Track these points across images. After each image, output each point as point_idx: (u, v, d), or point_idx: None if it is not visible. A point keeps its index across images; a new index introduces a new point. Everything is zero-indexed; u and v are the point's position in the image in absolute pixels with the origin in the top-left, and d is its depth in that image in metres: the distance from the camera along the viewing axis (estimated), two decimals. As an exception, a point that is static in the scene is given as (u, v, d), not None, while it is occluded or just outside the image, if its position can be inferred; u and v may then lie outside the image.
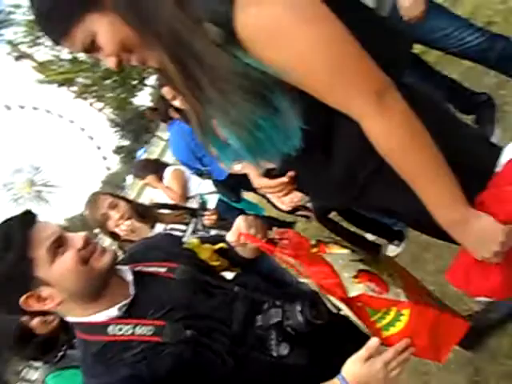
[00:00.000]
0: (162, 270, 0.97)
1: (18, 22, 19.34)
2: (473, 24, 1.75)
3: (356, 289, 0.79)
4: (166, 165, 3.04)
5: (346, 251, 0.91)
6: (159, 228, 1.99)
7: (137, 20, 0.67)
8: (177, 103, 2.15)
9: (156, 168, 2.95)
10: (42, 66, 19.84)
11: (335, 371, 0.81)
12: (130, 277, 0.95)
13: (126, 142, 36.72)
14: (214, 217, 2.13)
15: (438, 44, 1.75)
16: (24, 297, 0.83)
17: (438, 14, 1.70)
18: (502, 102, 2.18)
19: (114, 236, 1.92)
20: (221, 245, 1.07)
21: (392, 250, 2.42)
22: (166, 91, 2.16)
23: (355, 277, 0.81)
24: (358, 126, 0.70)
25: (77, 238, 0.88)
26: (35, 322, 1.51)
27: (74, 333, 1.54)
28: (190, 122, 0.79)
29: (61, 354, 1.62)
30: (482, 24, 2.25)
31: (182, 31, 0.65)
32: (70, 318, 0.91)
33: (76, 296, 0.87)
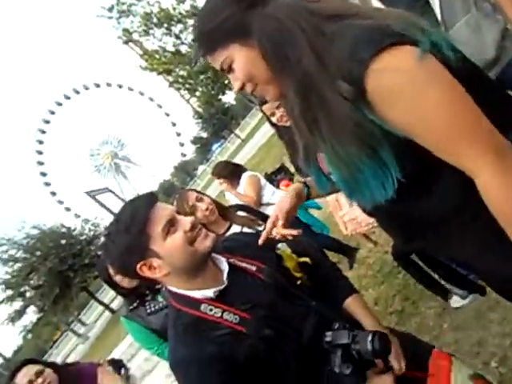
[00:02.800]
0: (253, 267, 1.06)
1: (136, 13, 21.15)
2: None
3: None
4: (244, 169, 3.15)
5: None
6: (235, 229, 2.13)
7: (274, 59, 0.80)
8: (273, 119, 2.28)
9: (234, 171, 3.07)
10: (148, 54, 21.46)
11: None
12: (225, 266, 1.05)
13: (204, 134, 38.20)
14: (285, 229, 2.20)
15: None
16: (140, 263, 0.97)
17: None
18: None
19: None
20: (305, 259, 1.16)
21: (456, 301, 2.34)
22: (267, 108, 2.29)
23: None
24: (463, 175, 0.73)
25: (186, 221, 1.00)
26: (117, 278, 1.85)
27: (156, 295, 1.79)
28: (292, 143, 0.88)
29: (136, 304, 1.95)
30: None
31: (316, 79, 0.75)
32: (171, 288, 1.03)
33: (179, 271, 0.99)
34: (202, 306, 0.99)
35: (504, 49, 1.64)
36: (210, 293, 1.00)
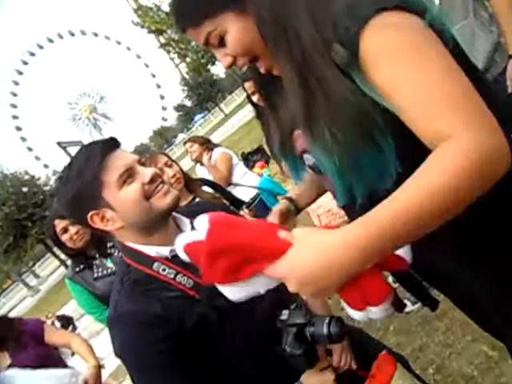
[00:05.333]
0: None
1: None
2: None
3: None
4: (216, 145, 3.08)
5: None
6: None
7: (274, 34, 0.70)
8: (254, 98, 2.20)
9: (206, 146, 2.99)
10: (142, 10, 20.55)
11: None
12: (187, 228, 0.99)
13: (188, 103, 37.47)
14: (250, 215, 2.16)
15: None
16: (91, 212, 0.90)
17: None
18: None
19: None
20: None
21: (407, 306, 2.38)
22: (249, 86, 2.21)
23: None
24: None
25: (145, 172, 0.92)
26: (65, 237, 1.76)
27: (106, 259, 1.71)
28: (268, 128, 0.81)
29: (82, 266, 1.88)
30: None
31: (314, 56, 0.67)
32: (124, 242, 0.96)
33: (134, 225, 0.92)
34: (155, 265, 0.93)
35: (494, 62, 1.62)
36: (165, 251, 0.94)
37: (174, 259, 0.93)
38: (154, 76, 28.04)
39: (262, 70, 0.79)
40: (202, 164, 3.06)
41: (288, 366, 0.91)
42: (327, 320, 0.89)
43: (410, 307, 2.37)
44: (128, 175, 0.90)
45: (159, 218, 0.93)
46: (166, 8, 20.78)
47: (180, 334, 0.87)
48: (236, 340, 0.93)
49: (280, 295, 0.95)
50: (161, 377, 0.87)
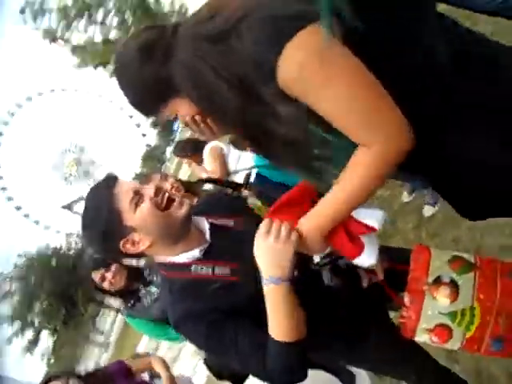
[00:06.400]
0: (231, 223, 1.11)
1: (50, 9, 19.76)
2: None
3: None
4: (204, 142, 3.05)
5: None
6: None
7: (205, 103, 0.84)
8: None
9: (196, 146, 3.01)
10: (78, 50, 20.31)
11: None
12: (206, 226, 1.08)
13: (162, 117, 37.01)
14: (252, 194, 2.23)
15: None
16: (122, 242, 0.98)
17: None
18: None
19: None
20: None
21: (428, 210, 2.48)
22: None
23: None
24: None
25: (149, 188, 1.01)
26: (105, 284, 1.91)
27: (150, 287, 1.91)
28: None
29: (133, 301, 2.04)
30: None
31: (249, 107, 0.78)
32: (158, 259, 1.06)
33: (160, 238, 1.01)
34: (193, 267, 1.02)
35: None
36: (196, 253, 1.03)
37: (206, 256, 1.03)
38: (122, 109, 27.85)
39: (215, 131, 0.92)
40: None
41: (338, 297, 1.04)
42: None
43: (431, 210, 2.47)
44: (138, 197, 0.99)
45: (181, 227, 1.02)
46: (99, 37, 20.53)
47: (236, 316, 0.97)
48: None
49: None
50: (241, 335, 0.97)
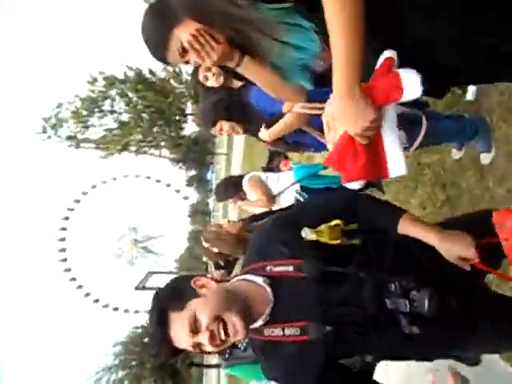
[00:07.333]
0: (290, 268, 1.03)
1: (65, 117, 21.46)
2: None
3: None
4: (241, 177, 3.10)
5: None
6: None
7: (200, 17, 1.03)
8: (210, 83, 2.36)
9: (234, 184, 3.03)
10: (101, 143, 21.71)
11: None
12: (267, 287, 1.04)
13: (192, 172, 38.41)
14: None
15: None
16: None
17: None
18: None
19: (220, 262, 2.18)
20: (336, 221, 1.12)
21: (456, 154, 2.39)
22: (201, 73, 2.35)
23: None
24: None
25: (203, 321, 0.97)
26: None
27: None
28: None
29: (229, 350, 2.03)
30: None
31: (235, 10, 0.97)
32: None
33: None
34: (265, 331, 1.04)
35: None
36: (263, 319, 1.03)
37: (273, 318, 1.03)
38: (159, 181, 29.01)
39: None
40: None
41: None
42: (426, 303, 0.92)
43: (458, 153, 2.36)
44: (195, 330, 0.98)
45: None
46: (113, 125, 21.98)
47: (321, 373, 1.01)
48: (368, 336, 1.02)
49: (376, 281, 1.02)
50: None
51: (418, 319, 0.94)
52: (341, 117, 0.85)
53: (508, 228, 0.95)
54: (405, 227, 1.05)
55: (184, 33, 1.03)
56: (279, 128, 2.13)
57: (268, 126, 2.19)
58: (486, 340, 1.12)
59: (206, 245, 2.14)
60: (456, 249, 0.97)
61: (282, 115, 2.03)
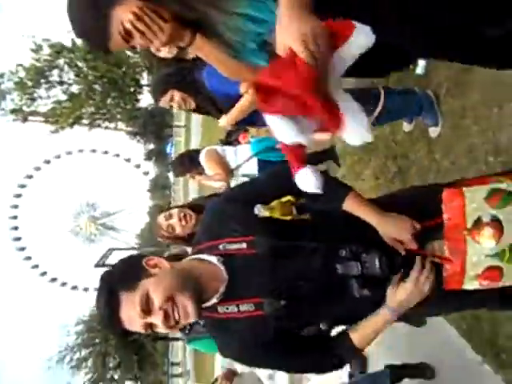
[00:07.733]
0: (243, 245, 1.04)
1: (9, 89, 19.96)
2: None
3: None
4: (198, 151, 3.06)
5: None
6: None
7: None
8: (162, 54, 2.22)
9: (191, 158, 2.99)
10: (50, 117, 20.48)
11: None
12: (221, 266, 1.04)
13: (151, 146, 37.36)
14: None
15: None
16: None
17: None
18: None
19: (180, 239, 2.19)
20: (287, 197, 1.14)
21: (433, 132, 2.45)
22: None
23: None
24: None
25: (156, 300, 0.96)
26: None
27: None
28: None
29: (189, 327, 2.06)
30: None
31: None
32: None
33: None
34: (219, 309, 1.04)
35: None
36: (218, 296, 1.02)
37: (228, 296, 1.02)
38: (118, 155, 27.83)
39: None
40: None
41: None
42: (377, 262, 0.96)
43: (436, 131, 2.44)
44: (146, 310, 0.96)
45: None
46: (63, 97, 20.60)
47: (270, 344, 1.05)
48: (316, 308, 1.07)
49: (327, 250, 1.04)
50: None
51: (368, 281, 0.99)
52: (285, 27, 0.75)
53: (453, 208, 0.96)
54: (349, 205, 1.08)
55: (124, 12, 0.89)
56: (236, 112, 2.07)
57: (226, 112, 2.14)
58: (430, 302, 1.14)
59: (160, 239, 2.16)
60: (393, 233, 1.03)
61: (239, 97, 1.99)
